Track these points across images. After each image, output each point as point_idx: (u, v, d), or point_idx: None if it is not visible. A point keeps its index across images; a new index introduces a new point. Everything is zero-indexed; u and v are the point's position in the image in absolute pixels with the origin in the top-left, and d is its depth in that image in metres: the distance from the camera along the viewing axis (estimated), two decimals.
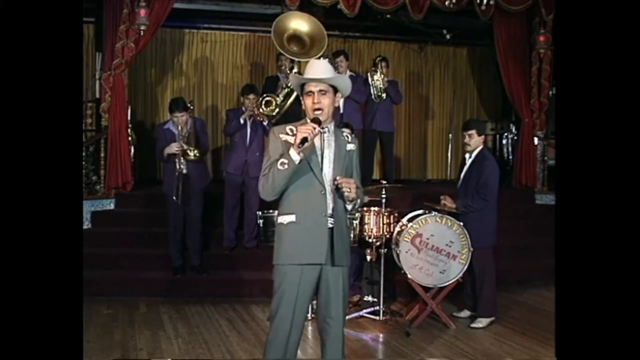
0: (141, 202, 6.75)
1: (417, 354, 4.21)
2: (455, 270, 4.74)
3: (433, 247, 4.73)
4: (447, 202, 4.85)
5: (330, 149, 2.89)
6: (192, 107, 5.77)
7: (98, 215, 6.40)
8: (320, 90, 2.83)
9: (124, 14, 6.32)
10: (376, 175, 8.04)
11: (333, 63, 6.38)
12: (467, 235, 4.69)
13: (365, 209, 4.99)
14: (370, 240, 5.03)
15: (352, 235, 4.73)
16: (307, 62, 3.47)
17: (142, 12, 6.20)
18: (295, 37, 5.81)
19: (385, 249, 4.90)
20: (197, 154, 5.58)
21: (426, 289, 4.84)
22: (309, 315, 4.31)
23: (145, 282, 5.62)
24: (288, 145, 2.77)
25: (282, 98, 6.17)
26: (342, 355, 2.95)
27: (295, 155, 2.72)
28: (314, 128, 2.73)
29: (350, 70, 7.21)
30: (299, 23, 5.80)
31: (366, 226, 5.00)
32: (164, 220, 5.78)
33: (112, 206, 6.60)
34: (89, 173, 6.58)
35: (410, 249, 4.75)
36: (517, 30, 7.70)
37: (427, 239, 4.74)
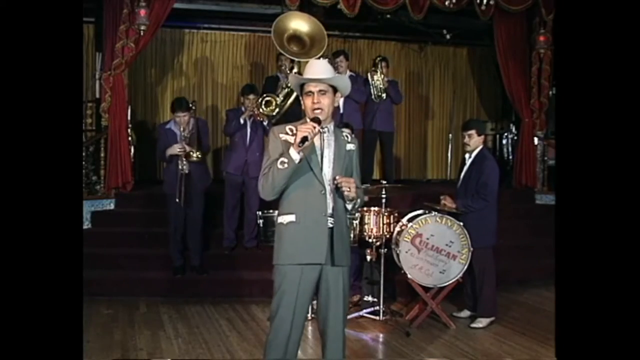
0: (141, 202, 6.75)
1: (417, 354, 4.21)
2: (455, 270, 4.74)
3: (433, 247, 4.73)
4: (447, 202, 4.85)
5: (330, 149, 2.89)
6: (194, 107, 5.76)
7: (98, 215, 6.40)
8: (320, 90, 2.83)
9: (124, 14, 6.32)
10: (376, 175, 8.03)
11: (333, 63, 6.38)
12: (467, 235, 4.69)
13: (365, 209, 4.99)
14: (370, 240, 5.03)
15: (352, 235, 4.73)
16: (307, 62, 3.46)
17: (142, 12, 6.20)
18: (295, 37, 5.80)
19: (385, 249, 4.90)
20: (199, 156, 5.58)
21: (426, 289, 4.84)
22: (309, 315, 4.31)
23: (145, 282, 5.62)
24: (288, 144, 2.76)
25: (282, 98, 6.16)
26: (343, 356, 2.94)
27: (295, 155, 2.72)
28: (314, 127, 2.72)
29: (350, 70, 7.21)
30: (299, 23, 5.79)
31: (366, 226, 5.00)
32: (164, 220, 5.79)
33: (112, 206, 6.60)
34: (89, 173, 6.58)
35: (410, 249, 4.75)
36: (517, 30, 7.70)
37: (427, 239, 4.74)
